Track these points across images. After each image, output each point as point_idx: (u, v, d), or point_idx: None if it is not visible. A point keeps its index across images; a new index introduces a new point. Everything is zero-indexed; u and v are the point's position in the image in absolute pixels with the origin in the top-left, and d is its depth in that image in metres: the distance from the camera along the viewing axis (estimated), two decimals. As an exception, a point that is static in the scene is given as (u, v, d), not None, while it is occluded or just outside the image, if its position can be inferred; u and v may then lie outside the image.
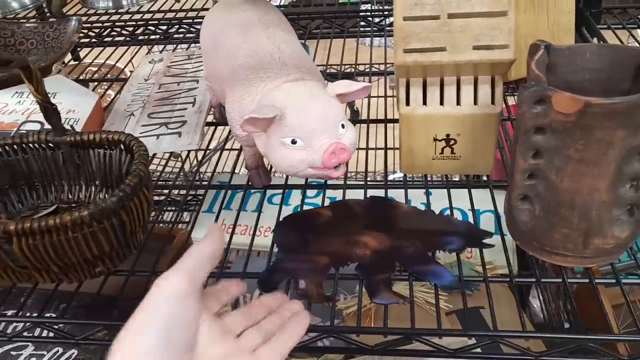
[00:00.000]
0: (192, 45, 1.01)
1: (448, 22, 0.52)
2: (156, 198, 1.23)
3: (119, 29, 1.05)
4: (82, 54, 1.08)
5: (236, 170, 0.73)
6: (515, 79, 0.75)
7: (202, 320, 0.39)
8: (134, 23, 1.06)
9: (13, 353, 0.77)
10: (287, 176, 0.64)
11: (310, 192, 0.95)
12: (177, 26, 1.05)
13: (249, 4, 0.64)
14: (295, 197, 1.06)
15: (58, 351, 0.77)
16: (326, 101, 0.52)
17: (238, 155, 0.72)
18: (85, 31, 1.04)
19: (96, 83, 1.01)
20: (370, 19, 1.01)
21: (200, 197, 1.26)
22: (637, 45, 0.96)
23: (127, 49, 1.02)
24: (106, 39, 1.05)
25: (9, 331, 0.56)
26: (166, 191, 1.23)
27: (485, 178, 0.64)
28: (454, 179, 0.90)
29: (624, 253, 0.50)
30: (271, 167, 0.67)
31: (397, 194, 0.63)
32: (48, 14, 1.11)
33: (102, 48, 1.02)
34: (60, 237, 0.47)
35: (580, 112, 0.40)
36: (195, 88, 0.81)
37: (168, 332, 0.36)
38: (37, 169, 0.60)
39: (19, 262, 0.49)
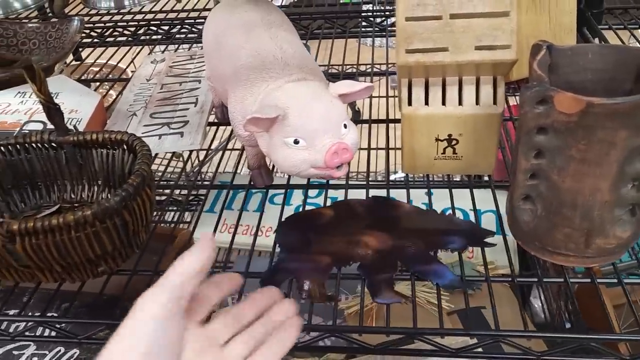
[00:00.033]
0: (194, 45, 1.02)
1: (450, 23, 0.52)
2: (158, 198, 1.23)
3: (121, 29, 1.05)
4: (84, 54, 1.08)
5: (238, 170, 0.74)
6: (517, 79, 0.75)
7: (187, 329, 0.38)
8: (136, 23, 1.06)
9: (15, 352, 0.77)
10: (289, 176, 0.64)
11: (312, 192, 0.95)
12: (179, 26, 1.05)
13: (252, 4, 0.64)
14: (297, 197, 1.06)
15: (60, 351, 0.77)
16: (328, 101, 0.52)
17: (240, 156, 0.73)
18: (88, 31, 1.04)
19: (98, 83, 1.01)
20: (372, 19, 1.01)
21: (202, 197, 1.26)
22: (639, 45, 0.96)
23: (129, 49, 1.02)
24: (108, 39, 1.05)
25: (11, 330, 0.56)
26: (168, 191, 1.23)
27: (486, 178, 0.64)
28: (455, 179, 0.90)
29: (625, 253, 0.51)
30: (273, 167, 0.67)
31: (398, 194, 0.63)
32: (50, 14, 1.11)
33: (104, 48, 1.02)
34: (63, 237, 0.47)
35: (582, 112, 0.41)
36: (197, 88, 0.81)
37: (152, 356, 0.35)
38: (39, 168, 0.60)
39: (22, 262, 0.49)
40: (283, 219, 0.60)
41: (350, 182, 0.65)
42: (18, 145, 0.59)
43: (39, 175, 0.61)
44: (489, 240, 0.55)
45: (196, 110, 0.76)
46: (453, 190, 0.63)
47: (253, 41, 0.59)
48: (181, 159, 1.33)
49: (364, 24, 1.01)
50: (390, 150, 0.73)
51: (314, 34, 0.99)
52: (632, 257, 0.54)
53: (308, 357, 0.83)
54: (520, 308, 0.66)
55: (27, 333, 0.56)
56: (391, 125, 0.76)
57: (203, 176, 1.40)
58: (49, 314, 0.73)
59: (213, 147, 0.96)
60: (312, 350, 0.72)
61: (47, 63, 0.81)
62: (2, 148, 0.59)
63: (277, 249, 0.56)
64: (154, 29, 1.05)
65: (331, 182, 0.63)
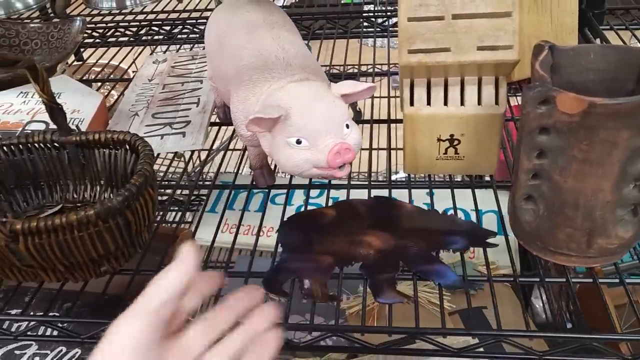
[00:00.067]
0: (196, 45, 1.02)
1: (452, 23, 0.52)
2: (159, 198, 1.23)
3: (122, 30, 1.06)
4: (85, 54, 1.08)
5: (239, 171, 0.74)
6: (519, 79, 0.75)
7: (160, 347, 0.36)
8: (137, 23, 1.06)
9: (17, 352, 0.77)
10: (291, 176, 0.64)
11: (313, 192, 0.95)
12: (180, 26, 1.05)
13: (254, 5, 0.64)
14: (298, 197, 1.06)
15: (62, 350, 0.78)
16: (331, 101, 0.52)
17: (241, 156, 0.73)
18: (89, 31, 1.04)
19: (100, 83, 1.02)
20: (373, 19, 1.01)
21: (203, 197, 1.26)
22: (640, 46, 0.96)
23: (131, 49, 1.02)
24: (110, 40, 1.05)
25: (13, 330, 0.56)
26: (169, 191, 1.23)
27: (487, 178, 0.64)
28: (456, 179, 0.90)
29: (627, 253, 0.51)
30: (275, 167, 0.67)
31: (400, 194, 0.63)
32: (52, 15, 1.11)
33: (105, 48, 1.02)
34: (66, 236, 0.47)
35: (584, 112, 0.41)
36: (199, 88, 0.81)
37: None
38: (42, 168, 0.61)
39: (25, 261, 0.49)
40: (285, 219, 0.60)
41: (352, 182, 0.65)
42: (21, 145, 0.59)
43: (41, 175, 0.61)
44: (490, 240, 0.55)
45: (198, 111, 0.76)
46: (454, 190, 0.63)
47: (255, 41, 0.59)
48: (182, 159, 1.33)
49: (365, 24, 1.02)
50: (391, 151, 0.73)
51: (316, 35, 0.99)
52: (633, 258, 0.55)
53: (309, 356, 0.84)
54: (522, 308, 0.66)
55: (29, 333, 0.56)
56: (392, 125, 0.76)
57: (204, 176, 1.40)
58: (51, 314, 0.73)
59: (215, 147, 0.96)
60: (314, 349, 0.73)
61: (50, 63, 0.82)
62: (4, 148, 0.59)
63: (280, 249, 0.56)
64: (156, 29, 1.06)
65: (333, 182, 0.63)
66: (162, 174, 0.97)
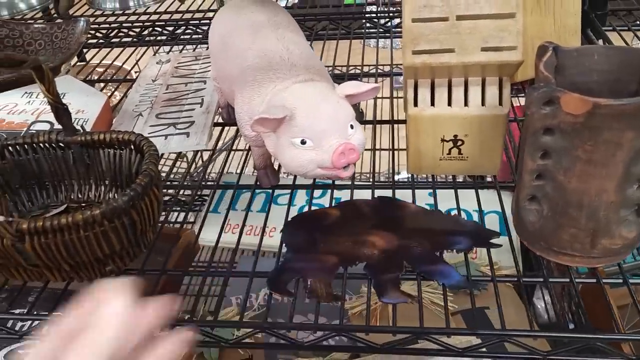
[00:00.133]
0: (199, 46, 1.02)
1: (456, 24, 0.52)
2: (163, 198, 1.23)
3: (126, 30, 1.06)
4: (89, 55, 1.08)
5: (242, 171, 0.74)
6: (521, 80, 0.76)
7: None
8: (140, 24, 1.06)
9: (21, 352, 0.77)
10: (295, 176, 0.64)
11: (315, 193, 0.95)
12: (183, 27, 1.05)
13: (258, 6, 0.64)
14: (300, 197, 1.06)
15: (65, 350, 0.78)
16: (335, 102, 0.53)
17: (245, 156, 0.73)
18: (92, 32, 1.05)
19: (103, 84, 1.02)
20: (376, 20, 1.01)
21: (205, 198, 1.26)
22: (642, 47, 0.97)
23: (134, 50, 1.02)
24: (113, 40, 1.05)
25: (17, 329, 0.56)
26: (171, 191, 1.24)
27: (489, 179, 0.65)
28: (458, 180, 0.91)
29: (630, 253, 0.51)
30: (279, 167, 0.67)
31: (403, 194, 0.63)
32: (55, 15, 1.11)
33: (109, 49, 1.03)
34: (72, 236, 0.47)
35: (588, 113, 0.41)
36: (202, 89, 0.82)
37: None
38: (47, 168, 0.61)
39: (30, 261, 0.49)
40: (289, 219, 0.60)
41: (355, 183, 0.65)
42: (26, 145, 0.60)
43: (46, 175, 0.61)
44: (494, 241, 0.55)
45: (202, 111, 0.76)
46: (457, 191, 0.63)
47: (260, 42, 0.59)
48: (185, 159, 1.34)
49: (368, 25, 1.02)
50: (393, 151, 0.73)
51: (319, 35, 1.00)
52: (636, 258, 0.55)
53: (312, 357, 0.84)
54: (526, 308, 0.66)
55: (34, 332, 0.56)
56: (395, 126, 0.77)
57: (206, 177, 1.40)
58: (54, 314, 0.73)
59: (217, 148, 0.96)
60: (319, 349, 0.73)
61: (54, 64, 0.82)
62: (10, 148, 0.59)
63: (284, 249, 0.56)
64: (159, 29, 1.06)
65: (337, 182, 0.64)
66: (164, 175, 0.97)
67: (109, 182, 0.61)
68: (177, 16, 1.09)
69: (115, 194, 0.61)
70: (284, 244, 0.57)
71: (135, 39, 1.05)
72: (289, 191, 0.66)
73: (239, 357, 0.84)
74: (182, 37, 1.05)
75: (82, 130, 0.61)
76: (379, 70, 0.92)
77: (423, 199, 0.64)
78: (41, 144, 0.60)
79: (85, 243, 0.48)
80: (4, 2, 1.07)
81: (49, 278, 0.53)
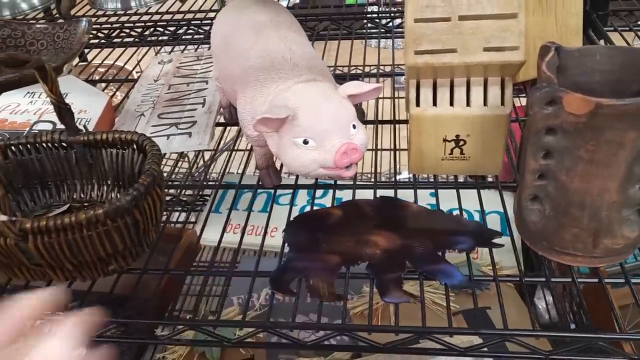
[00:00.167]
0: (201, 46, 1.02)
1: (459, 24, 0.53)
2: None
3: (127, 30, 1.06)
4: (90, 55, 1.08)
5: (241, 171, 0.74)
6: (523, 80, 0.76)
7: None
8: (142, 24, 1.06)
9: (22, 351, 0.77)
10: (297, 176, 0.64)
11: (317, 193, 0.95)
12: (185, 27, 1.05)
13: (260, 6, 0.64)
14: (301, 197, 1.06)
15: (67, 349, 0.78)
16: (338, 102, 0.53)
17: (248, 156, 0.73)
18: (94, 32, 1.05)
19: (104, 84, 1.02)
20: (377, 20, 1.01)
21: (206, 198, 1.26)
22: (643, 47, 0.97)
23: (136, 50, 1.02)
24: (115, 40, 1.05)
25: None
26: (172, 191, 1.24)
27: (490, 179, 0.65)
28: (459, 180, 0.91)
29: (632, 253, 0.51)
30: (281, 167, 0.67)
31: (405, 194, 0.63)
32: (57, 15, 1.12)
33: (110, 49, 1.03)
34: (75, 235, 0.48)
35: (591, 113, 0.41)
36: (204, 89, 0.82)
37: None
38: (50, 168, 0.61)
39: (34, 260, 0.49)
40: (291, 219, 0.60)
41: (357, 183, 0.65)
42: (29, 145, 0.60)
43: (49, 175, 0.61)
44: (496, 240, 0.55)
45: (204, 111, 0.77)
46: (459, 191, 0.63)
47: (262, 42, 0.59)
48: (186, 159, 1.34)
49: (369, 25, 1.02)
50: (395, 151, 0.73)
51: (320, 36, 1.00)
52: (637, 258, 0.55)
53: (313, 356, 0.84)
54: (528, 308, 0.66)
55: (37, 331, 0.56)
56: (396, 126, 0.77)
57: (208, 177, 1.41)
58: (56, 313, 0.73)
59: (220, 147, 0.96)
60: (321, 349, 0.73)
61: (56, 64, 0.82)
62: (13, 148, 0.59)
63: (286, 249, 0.56)
64: (161, 30, 1.06)
65: (339, 182, 0.64)
66: (166, 175, 0.97)
67: (112, 181, 0.61)
68: (178, 16, 1.09)
69: (118, 194, 0.61)
70: (286, 244, 0.57)
71: (137, 39, 1.05)
72: (289, 191, 0.66)
73: (241, 357, 0.84)
74: (183, 37, 1.05)
75: (84, 130, 0.61)
76: (380, 71, 0.92)
77: (424, 199, 0.64)
78: (44, 144, 0.60)
79: (88, 242, 0.48)
80: (6, 2, 1.07)
81: (52, 277, 0.53)
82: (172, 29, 1.06)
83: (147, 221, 0.52)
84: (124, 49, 1.03)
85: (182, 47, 1.05)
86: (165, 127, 0.74)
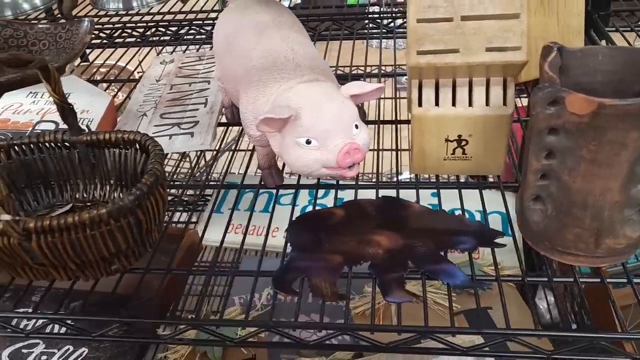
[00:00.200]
0: (203, 46, 1.02)
1: (461, 25, 0.53)
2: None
3: (129, 31, 1.06)
4: (92, 55, 1.09)
5: (243, 171, 0.74)
6: (525, 80, 0.76)
7: None
8: (144, 24, 1.07)
9: (24, 351, 0.78)
10: (299, 176, 0.64)
11: (318, 193, 0.96)
12: (187, 28, 1.06)
13: (263, 6, 0.65)
14: (302, 197, 1.06)
15: (69, 349, 0.78)
16: (340, 102, 0.53)
17: (249, 156, 0.73)
18: (96, 32, 1.05)
19: (106, 84, 1.02)
20: (379, 21, 1.01)
21: (208, 198, 1.26)
22: (645, 48, 0.97)
23: (137, 51, 1.02)
24: (117, 40, 1.05)
25: (21, 327, 0.57)
26: (174, 191, 1.24)
27: (491, 179, 0.65)
28: (460, 180, 0.91)
29: (634, 253, 0.51)
30: (283, 166, 0.67)
31: (407, 194, 0.64)
32: (58, 16, 1.12)
33: (112, 49, 1.03)
34: (78, 235, 0.48)
35: (593, 113, 0.41)
36: (206, 89, 0.82)
37: None
38: (53, 167, 0.61)
39: (37, 260, 0.49)
40: (294, 219, 0.61)
41: (359, 183, 0.65)
42: (32, 145, 0.60)
43: (52, 175, 0.62)
44: (498, 240, 0.55)
45: (206, 111, 0.77)
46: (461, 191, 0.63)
47: (265, 42, 0.59)
48: (188, 159, 1.34)
49: (370, 25, 1.02)
50: (397, 152, 0.73)
51: (322, 36, 1.00)
52: (638, 259, 0.55)
53: (315, 356, 0.84)
54: (531, 307, 0.66)
55: (40, 331, 0.56)
56: (398, 126, 0.77)
57: (209, 177, 1.41)
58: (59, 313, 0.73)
59: (221, 148, 0.96)
60: (324, 348, 0.73)
61: (58, 64, 0.82)
62: (16, 147, 0.60)
63: (289, 248, 0.56)
64: (163, 30, 1.06)
65: (341, 182, 0.64)
66: (167, 175, 0.97)
67: (114, 181, 0.62)
68: (180, 16, 1.10)
69: (120, 194, 0.62)
70: (288, 244, 0.57)
71: (138, 40, 1.05)
72: (290, 191, 0.66)
73: (242, 357, 0.84)
74: (185, 37, 1.05)
75: (87, 130, 0.61)
76: (381, 71, 0.92)
77: (426, 199, 0.64)
78: (47, 144, 0.60)
79: (91, 242, 0.48)
80: (8, 2, 1.08)
81: (55, 277, 0.53)
82: (173, 29, 1.06)
83: (150, 221, 0.52)
84: (125, 49, 1.03)
85: (184, 47, 1.05)
86: (167, 127, 0.74)
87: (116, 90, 1.02)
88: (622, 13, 0.91)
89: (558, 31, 0.70)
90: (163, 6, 1.12)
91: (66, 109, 0.57)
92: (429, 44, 0.53)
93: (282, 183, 0.66)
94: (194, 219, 1.29)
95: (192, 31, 1.05)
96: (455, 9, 0.53)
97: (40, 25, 0.91)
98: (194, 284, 1.11)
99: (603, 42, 0.82)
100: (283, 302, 0.84)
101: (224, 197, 1.08)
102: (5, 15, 1.06)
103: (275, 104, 0.54)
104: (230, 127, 0.82)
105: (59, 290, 0.59)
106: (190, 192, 1.34)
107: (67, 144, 0.60)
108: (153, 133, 0.73)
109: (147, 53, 1.02)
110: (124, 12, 1.10)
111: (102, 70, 1.07)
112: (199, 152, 1.25)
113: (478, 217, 0.96)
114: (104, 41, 1.06)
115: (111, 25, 1.07)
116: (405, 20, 0.98)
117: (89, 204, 0.62)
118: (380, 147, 0.72)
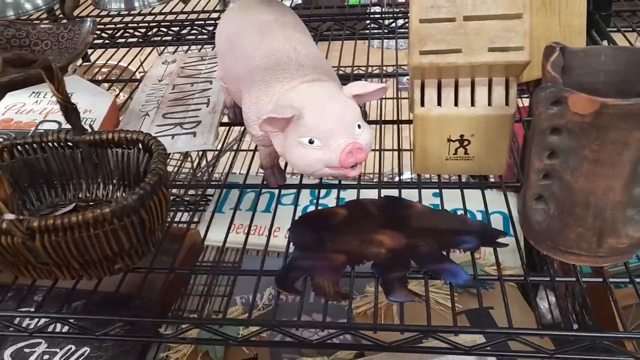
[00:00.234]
0: (205, 46, 1.02)
1: (464, 25, 0.53)
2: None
3: (131, 31, 1.06)
4: (94, 55, 1.09)
5: (244, 171, 0.74)
6: (527, 80, 0.76)
7: None
8: (146, 24, 1.07)
9: (26, 350, 0.78)
10: (301, 176, 0.65)
11: (320, 192, 0.96)
12: (189, 28, 1.06)
13: (265, 6, 0.65)
14: (304, 197, 1.07)
15: (71, 349, 0.78)
16: (343, 102, 0.53)
17: (252, 156, 0.73)
18: (98, 32, 1.05)
19: (108, 84, 1.02)
20: (380, 21, 1.02)
21: (209, 197, 1.27)
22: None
23: (139, 51, 1.02)
24: (119, 40, 1.05)
25: (24, 325, 0.57)
26: (175, 191, 1.24)
27: (492, 179, 0.65)
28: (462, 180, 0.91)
29: (636, 253, 0.51)
30: (286, 166, 0.67)
31: (409, 194, 0.64)
32: (60, 16, 1.12)
33: (114, 50, 1.03)
34: (82, 234, 0.48)
35: (596, 113, 0.41)
36: (209, 89, 0.82)
37: None
38: (56, 167, 0.61)
39: (40, 259, 0.49)
40: (297, 218, 0.61)
41: (361, 183, 0.66)
42: (35, 145, 0.60)
43: (55, 174, 0.62)
44: (500, 240, 0.56)
45: (208, 111, 0.77)
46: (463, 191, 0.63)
47: (267, 42, 0.60)
48: (189, 159, 1.34)
49: (372, 25, 1.02)
50: (397, 151, 0.73)
51: (323, 36, 1.00)
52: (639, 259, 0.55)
53: (316, 355, 0.84)
54: (533, 306, 0.67)
55: (43, 330, 0.57)
56: (400, 126, 0.77)
57: (211, 176, 1.41)
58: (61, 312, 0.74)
59: (223, 147, 0.96)
60: (327, 347, 0.73)
61: (60, 64, 0.82)
62: (19, 147, 0.60)
63: (291, 248, 0.56)
64: (164, 30, 1.06)
65: (343, 182, 0.64)
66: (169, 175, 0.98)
67: (117, 181, 0.62)
68: (182, 16, 1.10)
69: (123, 193, 0.62)
70: (291, 243, 0.57)
71: (140, 40, 1.05)
72: (292, 191, 0.67)
73: (244, 356, 0.84)
74: (187, 37, 1.05)
75: (90, 130, 0.61)
76: (383, 71, 0.92)
77: (428, 199, 0.65)
78: (50, 143, 0.60)
79: (94, 241, 0.49)
80: (10, 2, 1.08)
81: (58, 276, 0.53)
82: (175, 29, 1.06)
83: (153, 220, 0.52)
84: (127, 49, 1.03)
85: (186, 47, 1.05)
86: (169, 126, 0.74)
87: (118, 90, 1.02)
88: (623, 13, 0.91)
89: (560, 31, 0.70)
90: (165, 6, 1.12)
91: (69, 109, 0.57)
92: (431, 44, 0.53)
93: (285, 183, 0.66)
94: (195, 219, 1.29)
95: (194, 31, 1.05)
96: (457, 9, 0.53)
97: (42, 25, 0.91)
98: (196, 284, 1.11)
99: (605, 42, 0.82)
100: (284, 301, 0.84)
101: (225, 197, 1.08)
102: (8, 15, 1.07)
103: (278, 104, 0.54)
104: (232, 127, 0.83)
105: (61, 290, 0.59)
106: (192, 192, 1.34)
107: (70, 143, 0.60)
108: (155, 133, 0.73)
109: (149, 53, 1.02)
110: (126, 12, 1.10)
111: (104, 70, 1.07)
112: (200, 152, 1.25)
113: (480, 217, 0.96)
114: (106, 41, 1.06)
115: (113, 26, 1.08)
116: (406, 20, 0.98)
117: (91, 203, 0.62)
118: (382, 147, 0.72)
